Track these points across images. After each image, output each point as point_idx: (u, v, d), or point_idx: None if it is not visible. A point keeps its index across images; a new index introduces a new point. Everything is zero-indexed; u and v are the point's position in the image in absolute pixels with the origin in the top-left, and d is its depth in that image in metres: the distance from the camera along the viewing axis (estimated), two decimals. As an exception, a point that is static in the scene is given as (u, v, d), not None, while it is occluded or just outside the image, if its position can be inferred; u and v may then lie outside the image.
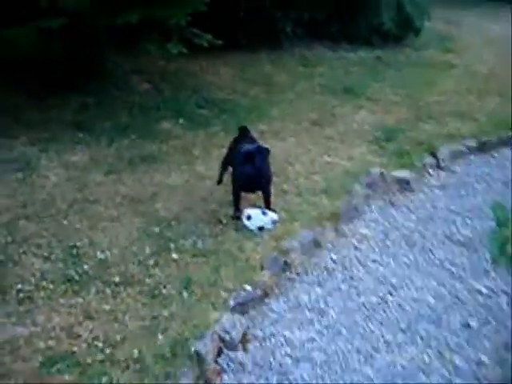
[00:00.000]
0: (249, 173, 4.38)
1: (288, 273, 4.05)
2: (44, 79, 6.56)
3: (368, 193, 5.11)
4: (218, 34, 6.79)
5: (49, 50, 6.02)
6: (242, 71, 8.44)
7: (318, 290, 3.95)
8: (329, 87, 8.08)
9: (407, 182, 5.36)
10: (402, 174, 5.46)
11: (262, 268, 3.90)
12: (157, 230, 4.35)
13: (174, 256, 4.03)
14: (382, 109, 7.39)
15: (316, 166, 5.64)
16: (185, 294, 3.65)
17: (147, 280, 3.79)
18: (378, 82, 8.51)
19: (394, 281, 4.10)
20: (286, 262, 4.04)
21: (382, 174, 5.28)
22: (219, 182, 5.09)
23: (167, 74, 7.92)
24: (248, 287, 3.70)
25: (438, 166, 5.87)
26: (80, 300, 3.59)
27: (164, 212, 4.61)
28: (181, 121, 6.53)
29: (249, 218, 4.41)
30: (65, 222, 4.40)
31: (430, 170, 5.80)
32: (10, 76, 6.42)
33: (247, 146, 4.50)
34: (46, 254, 4.02)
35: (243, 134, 4.94)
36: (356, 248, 4.46)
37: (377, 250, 4.46)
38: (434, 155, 5.98)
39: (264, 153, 4.45)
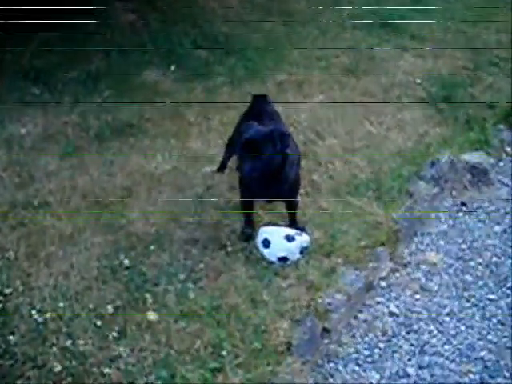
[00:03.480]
0: (262, 173, 2.86)
1: (327, 342, 2.63)
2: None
3: (435, 192, 3.60)
4: None
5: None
6: (252, -5, 6.69)
7: (374, 376, 2.54)
8: (361, 19, 6.35)
9: (485, 172, 3.83)
10: (476, 158, 3.92)
11: (288, 348, 2.45)
12: (127, 261, 2.90)
13: (151, 317, 2.60)
14: (431, 51, 5.72)
15: (356, 139, 4.11)
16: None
17: (107, 370, 2.36)
18: (422, 12, 6.75)
19: (484, 355, 2.67)
20: (325, 329, 2.61)
21: (452, 162, 3.75)
22: (221, 169, 3.60)
23: (159, 1, 6.19)
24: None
25: (519, 144, 4.31)
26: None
27: (140, 225, 3.15)
28: (172, 68, 4.95)
29: (266, 243, 2.95)
30: (-7, 247, 2.97)
31: (509, 149, 4.25)
32: None
33: (256, 128, 2.94)
34: (-49, 308, 2.62)
35: (259, 106, 3.35)
36: (423, 289, 3.01)
37: (453, 292, 3.01)
38: (512, 127, 4.42)
39: (286, 139, 2.89)
